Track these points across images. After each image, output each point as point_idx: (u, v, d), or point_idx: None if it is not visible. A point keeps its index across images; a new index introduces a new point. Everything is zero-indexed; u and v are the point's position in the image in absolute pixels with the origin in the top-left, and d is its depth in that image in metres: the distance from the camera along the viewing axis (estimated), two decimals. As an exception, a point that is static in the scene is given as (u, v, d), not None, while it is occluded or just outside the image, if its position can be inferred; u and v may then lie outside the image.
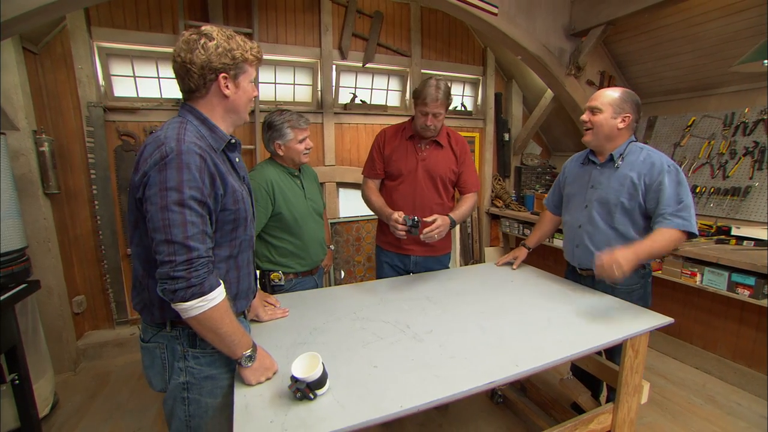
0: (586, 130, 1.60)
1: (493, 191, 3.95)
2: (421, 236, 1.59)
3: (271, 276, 1.71)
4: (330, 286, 3.35)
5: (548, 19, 2.96)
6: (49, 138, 2.33)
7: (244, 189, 1.07)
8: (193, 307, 0.86)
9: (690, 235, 1.46)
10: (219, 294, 0.90)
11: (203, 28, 0.95)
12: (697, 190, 2.76)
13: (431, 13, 3.47)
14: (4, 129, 2.10)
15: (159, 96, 2.77)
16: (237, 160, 1.08)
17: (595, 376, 1.54)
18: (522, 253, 1.97)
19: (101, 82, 2.59)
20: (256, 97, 1.06)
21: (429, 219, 1.62)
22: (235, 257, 1.04)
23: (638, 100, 1.53)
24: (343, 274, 3.39)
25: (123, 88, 2.69)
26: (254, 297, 1.18)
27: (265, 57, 2.94)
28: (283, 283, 1.73)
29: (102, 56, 2.55)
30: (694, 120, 2.88)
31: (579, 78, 3.14)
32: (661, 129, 3.16)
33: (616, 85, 3.33)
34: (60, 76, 2.44)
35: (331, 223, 3.26)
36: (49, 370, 2.11)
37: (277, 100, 3.11)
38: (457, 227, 3.76)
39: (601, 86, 3.25)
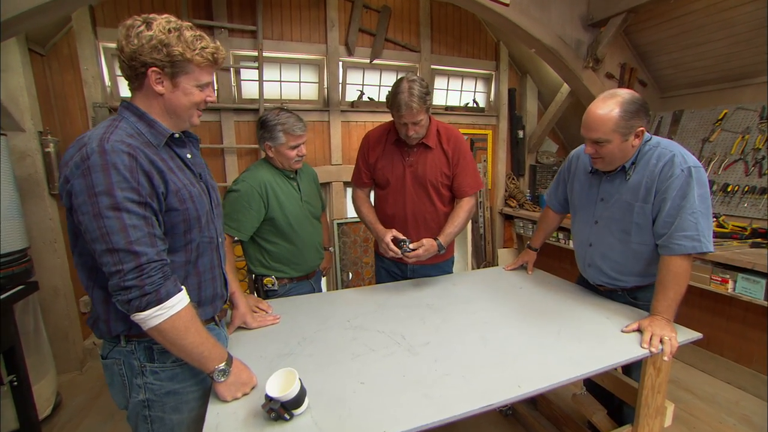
0: (595, 159, 1.35)
1: (506, 191, 3.80)
2: (407, 259, 1.53)
3: (264, 281, 1.65)
4: (336, 288, 3.31)
5: (564, 8, 2.79)
6: (54, 139, 2.35)
7: (199, 187, 0.99)
8: (150, 317, 0.79)
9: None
10: (179, 301, 0.83)
11: (152, 15, 0.87)
12: (729, 189, 2.54)
13: (441, 6, 3.35)
14: (7, 130, 2.11)
15: (164, 96, 2.75)
16: (189, 156, 1.00)
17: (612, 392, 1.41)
18: (531, 256, 1.84)
19: (107, 82, 2.59)
20: (210, 101, 0.96)
21: (413, 246, 1.54)
22: (193, 262, 0.97)
23: (642, 101, 1.25)
24: (350, 275, 3.32)
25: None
26: (223, 303, 1.11)
27: (270, 54, 2.92)
28: (276, 288, 1.66)
29: (108, 57, 2.55)
30: (726, 113, 2.67)
31: (597, 71, 2.96)
32: (688, 124, 2.94)
33: (638, 79, 3.15)
34: (67, 77, 2.45)
35: (338, 224, 3.19)
36: (51, 371, 2.11)
37: (283, 98, 3.06)
38: (469, 227, 3.63)
39: (621, 80, 3.06)
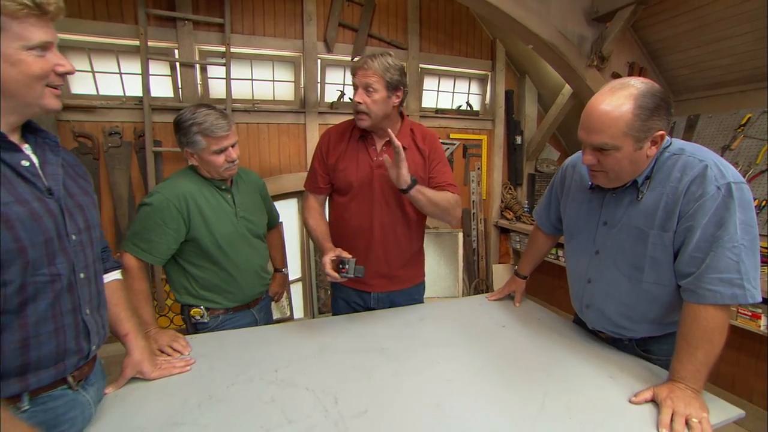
0: (595, 172, 1.01)
1: (502, 201, 3.49)
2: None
3: (191, 312, 1.36)
4: (311, 312, 2.97)
5: (565, 0, 2.51)
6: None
7: (40, 205, 0.71)
8: None
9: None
10: None
11: None
12: (755, 204, 2.21)
13: (431, 0, 3.08)
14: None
15: (122, 94, 2.51)
16: (26, 164, 0.72)
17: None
18: (519, 285, 1.53)
19: (55, 77, 2.35)
20: (62, 71, 0.68)
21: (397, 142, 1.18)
22: (14, 312, 0.68)
23: (662, 95, 0.92)
24: (328, 292, 3.02)
25: (82, 85, 2.44)
26: (83, 359, 0.82)
27: (240, 50, 2.66)
28: (206, 320, 1.37)
29: (55, 49, 2.30)
30: (749, 117, 2.34)
31: (603, 70, 2.66)
32: (705, 129, 2.62)
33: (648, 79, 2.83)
34: (7, 71, 2.21)
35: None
36: None
37: (255, 98, 2.80)
38: (460, 240, 3.32)
39: (630, 80, 2.75)
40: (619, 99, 0.90)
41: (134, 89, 2.49)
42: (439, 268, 3.34)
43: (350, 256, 1.20)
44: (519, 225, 3.28)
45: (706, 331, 0.90)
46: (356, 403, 0.94)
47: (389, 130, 1.21)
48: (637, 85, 0.91)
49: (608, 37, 2.53)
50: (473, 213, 3.44)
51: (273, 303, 1.68)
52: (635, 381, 1.01)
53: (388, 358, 1.15)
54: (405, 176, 1.22)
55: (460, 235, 3.31)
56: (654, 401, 0.92)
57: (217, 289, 1.37)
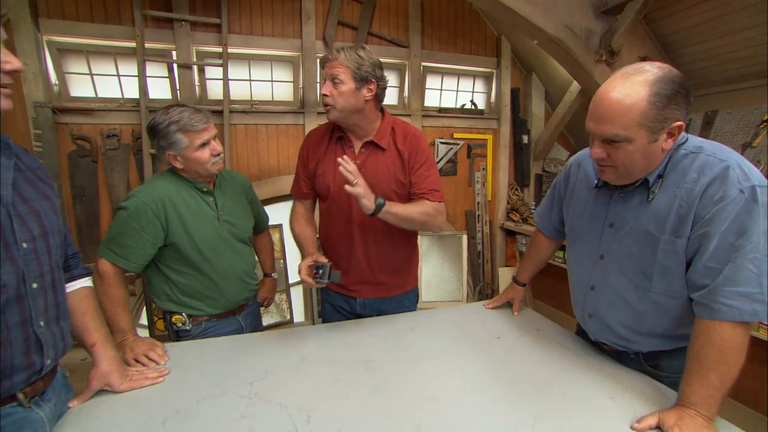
0: (604, 167, 0.93)
1: (508, 203, 3.38)
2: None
3: (173, 319, 1.31)
4: (312, 316, 2.91)
5: (572, -8, 2.40)
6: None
7: None
8: None
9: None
10: None
11: None
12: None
13: (433, -4, 3.00)
14: None
15: (120, 96, 2.50)
16: None
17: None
18: (517, 293, 1.44)
19: (54, 80, 2.35)
20: (16, 71, 0.62)
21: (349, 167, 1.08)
22: None
23: (682, 80, 0.82)
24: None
25: (81, 88, 2.45)
26: (35, 374, 0.78)
27: (237, 51, 2.62)
28: (188, 327, 1.32)
29: (53, 51, 2.31)
30: (771, 113, 2.20)
31: (612, 65, 2.54)
32: (724, 126, 2.47)
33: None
34: (6, 75, 2.22)
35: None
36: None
37: (254, 98, 2.76)
38: (464, 243, 3.22)
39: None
40: (632, 85, 0.81)
41: (132, 91, 2.48)
42: (442, 272, 3.25)
43: (327, 260, 1.13)
44: (526, 227, 3.17)
45: (721, 351, 0.79)
46: (330, 422, 0.87)
47: (339, 159, 1.10)
48: (653, 70, 0.82)
49: (618, 31, 2.40)
50: (478, 215, 3.34)
51: (272, 307, 1.63)
52: (639, 403, 0.92)
53: (371, 372, 1.08)
54: (366, 206, 1.11)
55: (464, 237, 3.22)
56: (659, 429, 0.82)
57: (198, 296, 1.32)
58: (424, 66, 3.05)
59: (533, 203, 3.37)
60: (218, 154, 1.25)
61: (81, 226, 2.47)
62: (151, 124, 1.19)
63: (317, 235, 1.39)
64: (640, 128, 0.82)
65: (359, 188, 1.07)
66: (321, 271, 1.10)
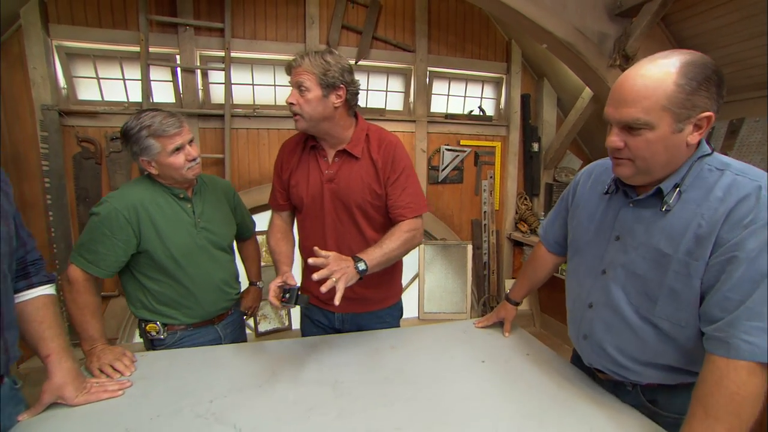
0: (620, 159, 0.83)
1: (517, 212, 3.26)
2: (321, 288, 0.99)
3: (147, 327, 1.28)
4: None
5: (584, -6, 2.29)
6: (-7, 143, 2.17)
7: None
8: None
9: None
10: None
11: None
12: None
13: (441, 0, 2.94)
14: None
15: (125, 99, 2.54)
16: None
17: None
18: (509, 312, 1.34)
19: (62, 84, 2.41)
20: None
21: (322, 254, 1.02)
22: None
23: (715, 68, 0.74)
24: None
25: (88, 92, 2.50)
26: None
27: (240, 55, 2.63)
28: (162, 336, 1.29)
29: (62, 56, 2.37)
30: (803, 123, 2.02)
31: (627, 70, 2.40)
32: (750, 136, 2.30)
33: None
34: (17, 78, 2.29)
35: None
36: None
37: (256, 103, 2.76)
38: (469, 253, 3.12)
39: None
40: (659, 67, 0.74)
41: (137, 95, 2.51)
42: (446, 282, 3.15)
43: (295, 283, 1.07)
44: (534, 238, 3.03)
45: (732, 398, 0.68)
46: (280, 453, 0.81)
47: (315, 248, 1.04)
48: (683, 54, 0.74)
49: (633, 34, 2.27)
50: (485, 224, 3.23)
51: (270, 314, 1.59)
52: (629, 448, 0.81)
53: (338, 394, 1.01)
54: (348, 276, 1.02)
55: (469, 247, 3.11)
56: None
57: (174, 304, 1.28)
58: (430, 71, 2.99)
59: (542, 213, 3.23)
60: (194, 159, 1.22)
61: (83, 226, 2.51)
62: (123, 129, 1.17)
63: (294, 249, 1.33)
64: (664, 113, 0.73)
65: (340, 283, 0.98)
66: (288, 295, 1.04)
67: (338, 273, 0.99)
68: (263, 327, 2.83)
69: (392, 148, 1.22)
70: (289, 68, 1.16)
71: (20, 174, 2.35)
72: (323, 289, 0.97)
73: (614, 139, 0.80)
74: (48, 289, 0.98)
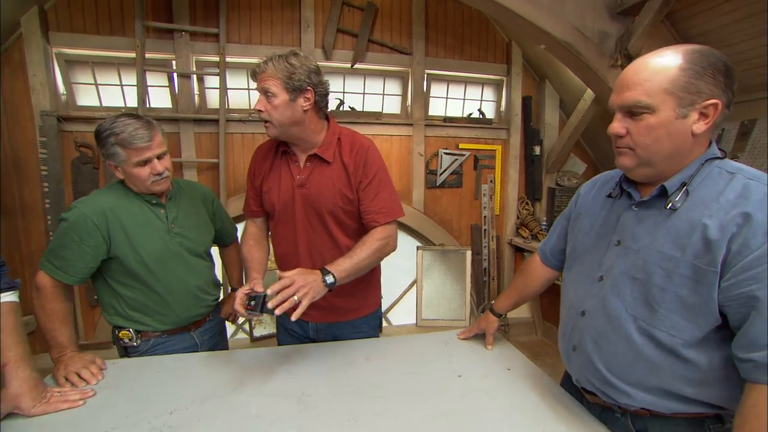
0: (621, 148, 0.80)
1: (518, 217, 3.17)
2: (275, 311, 0.96)
3: (120, 334, 1.26)
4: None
5: (583, -7, 2.22)
6: (-8, 148, 2.21)
7: None
8: None
9: None
10: None
11: None
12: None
13: (439, 2, 2.90)
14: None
15: (122, 105, 2.57)
16: None
17: None
18: (491, 324, 1.28)
19: (61, 90, 2.45)
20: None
21: (286, 275, 0.98)
22: None
23: (722, 59, 0.72)
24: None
25: (87, 98, 2.54)
26: None
27: (236, 60, 2.63)
28: (136, 343, 1.27)
29: (61, 63, 2.41)
30: (818, 123, 1.90)
31: (630, 70, 2.31)
32: (762, 137, 2.18)
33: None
34: (17, 84, 2.33)
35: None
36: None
37: (251, 108, 2.75)
38: (468, 259, 3.04)
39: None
40: (664, 53, 0.74)
41: (134, 100, 2.54)
42: (444, 289, 3.07)
43: (262, 290, 1.03)
44: (535, 244, 2.94)
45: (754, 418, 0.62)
46: (227, 471, 0.77)
47: (278, 272, 1.01)
48: (691, 46, 0.74)
49: (636, 33, 2.19)
50: (485, 229, 3.15)
51: (265, 318, 1.55)
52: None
53: (303, 408, 0.97)
54: (315, 291, 0.99)
55: (468, 253, 3.03)
56: None
57: (146, 310, 1.26)
58: (428, 73, 2.94)
59: (544, 219, 3.13)
60: (160, 174, 1.19)
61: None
62: (96, 129, 1.16)
63: (267, 256, 1.30)
64: (666, 96, 0.72)
65: (305, 300, 0.96)
66: (253, 302, 1.01)
67: (304, 289, 0.96)
68: (257, 332, 2.81)
69: (364, 152, 1.18)
70: (254, 75, 1.13)
71: (20, 178, 2.40)
72: (292, 318, 0.94)
73: (616, 125, 0.78)
74: (10, 296, 0.96)
